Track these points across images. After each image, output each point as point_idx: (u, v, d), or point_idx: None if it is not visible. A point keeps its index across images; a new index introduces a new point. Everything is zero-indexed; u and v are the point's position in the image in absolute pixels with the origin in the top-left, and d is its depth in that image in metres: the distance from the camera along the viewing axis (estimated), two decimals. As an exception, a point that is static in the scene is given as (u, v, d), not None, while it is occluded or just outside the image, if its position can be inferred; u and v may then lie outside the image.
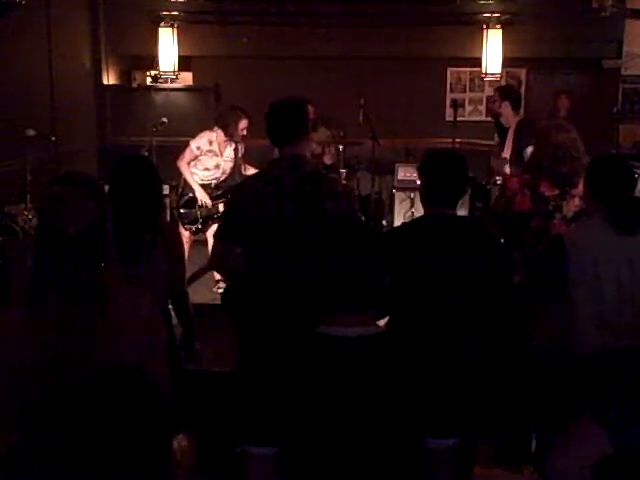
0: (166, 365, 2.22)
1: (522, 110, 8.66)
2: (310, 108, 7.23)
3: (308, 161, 3.04)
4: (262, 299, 2.94)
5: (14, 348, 1.94)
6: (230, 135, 5.76)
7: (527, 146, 5.22)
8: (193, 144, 5.79)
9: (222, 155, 5.86)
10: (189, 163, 5.82)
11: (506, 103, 6.04)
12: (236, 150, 5.90)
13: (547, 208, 3.36)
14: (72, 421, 1.36)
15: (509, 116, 6.01)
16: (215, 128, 5.84)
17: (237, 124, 5.73)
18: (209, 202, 5.84)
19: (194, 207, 5.90)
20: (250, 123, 5.72)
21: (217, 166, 5.86)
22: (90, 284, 1.98)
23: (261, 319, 2.93)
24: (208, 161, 5.84)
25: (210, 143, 5.78)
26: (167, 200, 6.59)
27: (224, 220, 3.13)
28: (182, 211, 5.97)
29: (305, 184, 2.90)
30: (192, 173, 5.84)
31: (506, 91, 6.32)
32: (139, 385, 1.44)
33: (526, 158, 5.19)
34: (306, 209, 2.87)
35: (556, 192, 3.35)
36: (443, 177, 2.82)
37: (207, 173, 5.89)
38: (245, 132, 5.80)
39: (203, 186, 5.89)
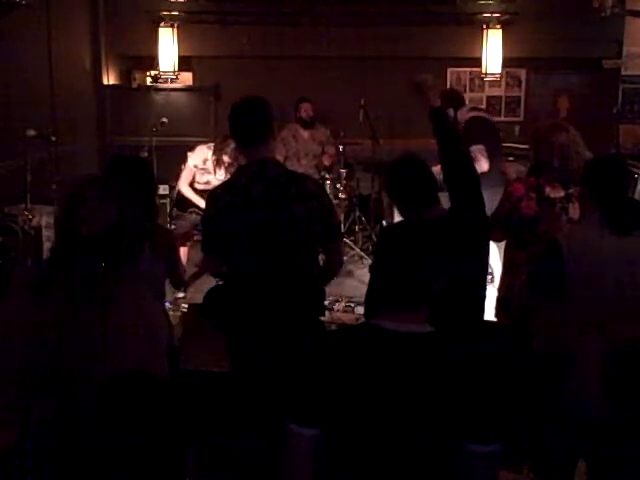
0: (167, 367, 2.21)
1: (522, 111, 8.75)
2: (308, 105, 7.27)
3: (275, 164, 2.97)
4: (247, 304, 2.93)
5: (15, 346, 1.95)
6: (216, 159, 5.69)
7: (472, 144, 5.16)
8: (190, 162, 5.73)
9: (215, 174, 5.76)
10: (190, 183, 5.77)
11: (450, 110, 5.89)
12: (228, 172, 5.74)
13: (553, 210, 3.36)
14: (78, 425, 1.36)
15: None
16: (210, 144, 5.77)
17: (221, 152, 5.67)
18: None
19: (185, 211, 5.87)
20: (236, 160, 5.52)
21: (207, 183, 5.75)
22: (97, 285, 1.98)
23: (255, 320, 2.92)
24: (199, 177, 5.80)
25: (204, 162, 5.72)
26: (167, 200, 6.60)
27: (202, 232, 3.11)
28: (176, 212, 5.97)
29: (273, 190, 2.85)
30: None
31: (445, 100, 6.11)
32: (149, 390, 1.44)
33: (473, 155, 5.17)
34: (277, 216, 2.84)
35: (562, 194, 3.36)
36: (410, 182, 2.92)
37: (197, 185, 5.84)
38: (227, 164, 5.68)
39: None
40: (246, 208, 2.84)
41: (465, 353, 1.83)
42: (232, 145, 5.49)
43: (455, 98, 5.91)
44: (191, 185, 5.84)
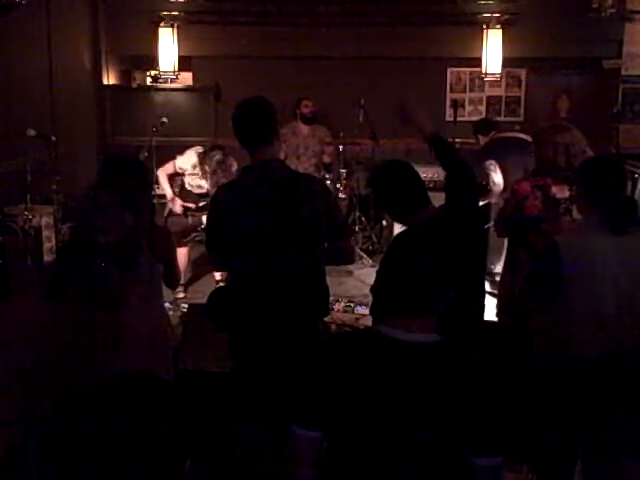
0: (172, 369, 2.22)
1: (522, 111, 8.76)
2: (309, 102, 7.29)
3: (279, 164, 2.96)
4: (251, 305, 2.92)
5: (18, 346, 1.96)
6: (200, 167, 5.65)
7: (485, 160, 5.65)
8: (178, 162, 5.68)
9: (207, 179, 5.72)
10: (169, 175, 5.75)
11: (478, 137, 6.54)
12: (211, 180, 5.70)
13: (558, 211, 3.37)
14: (82, 424, 1.35)
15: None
16: (199, 149, 5.70)
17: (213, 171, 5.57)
18: (178, 209, 5.75)
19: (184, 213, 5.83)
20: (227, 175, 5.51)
21: (200, 187, 5.77)
22: (111, 288, 1.99)
23: (260, 321, 2.91)
24: (191, 180, 5.78)
25: (194, 167, 5.68)
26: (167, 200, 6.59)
27: (207, 233, 3.11)
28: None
29: (278, 191, 2.84)
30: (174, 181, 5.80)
31: (476, 130, 6.71)
32: (154, 390, 1.44)
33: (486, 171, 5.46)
34: (282, 217, 2.83)
35: (567, 194, 3.36)
36: (399, 190, 2.91)
37: (189, 187, 5.83)
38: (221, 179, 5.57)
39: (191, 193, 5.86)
40: (251, 209, 2.83)
41: (468, 365, 1.79)
42: (216, 157, 5.49)
43: (488, 124, 6.67)
44: (181, 186, 5.83)
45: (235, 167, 5.47)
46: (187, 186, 5.81)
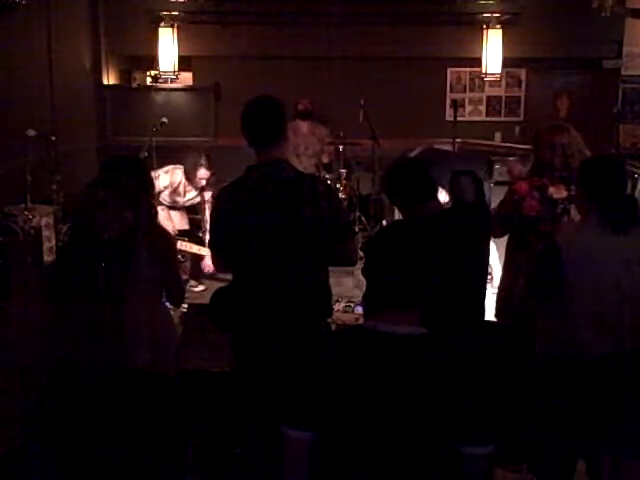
0: (175, 366, 2.22)
1: (522, 111, 8.77)
2: (305, 100, 7.29)
3: (286, 164, 2.94)
4: (254, 305, 2.91)
5: (19, 346, 1.96)
6: (188, 179, 5.63)
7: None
8: (161, 183, 5.58)
9: (184, 196, 5.76)
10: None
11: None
12: (202, 197, 5.72)
13: (555, 211, 3.37)
14: (85, 419, 1.36)
15: None
16: (181, 167, 5.68)
17: (195, 172, 5.54)
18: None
19: None
20: (213, 174, 5.52)
21: (175, 202, 5.80)
22: (113, 287, 1.99)
23: (263, 321, 2.91)
24: (169, 198, 5.78)
25: (179, 185, 5.68)
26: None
27: (211, 230, 3.10)
28: None
29: (284, 191, 2.83)
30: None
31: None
32: (156, 385, 1.44)
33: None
34: (286, 217, 2.82)
35: (564, 194, 3.37)
36: (404, 181, 3.05)
37: (164, 202, 5.79)
38: (204, 182, 5.58)
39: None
40: (257, 209, 2.83)
41: (456, 355, 1.81)
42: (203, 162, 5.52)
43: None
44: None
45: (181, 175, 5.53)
46: (163, 201, 5.77)
